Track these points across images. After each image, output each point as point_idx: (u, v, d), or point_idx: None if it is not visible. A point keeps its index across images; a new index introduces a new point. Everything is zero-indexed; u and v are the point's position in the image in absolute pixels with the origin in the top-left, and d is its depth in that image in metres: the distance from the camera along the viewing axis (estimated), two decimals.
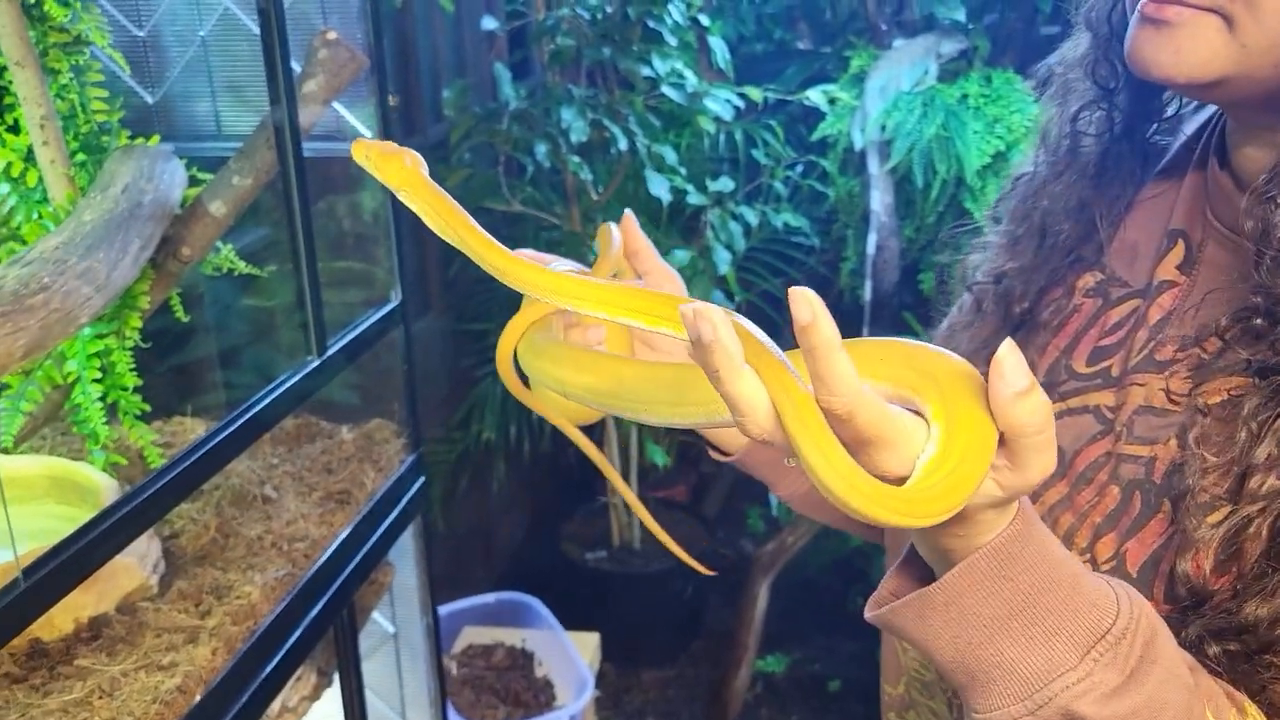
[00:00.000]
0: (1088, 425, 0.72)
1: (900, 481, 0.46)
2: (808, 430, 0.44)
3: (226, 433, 0.93)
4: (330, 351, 1.07)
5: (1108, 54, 0.76)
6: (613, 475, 0.79)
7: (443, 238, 0.62)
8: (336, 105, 1.23)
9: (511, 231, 2.78)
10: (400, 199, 0.62)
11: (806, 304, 0.43)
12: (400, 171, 0.61)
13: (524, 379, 0.74)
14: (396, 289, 1.23)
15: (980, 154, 2.65)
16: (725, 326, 0.44)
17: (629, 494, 0.84)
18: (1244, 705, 0.56)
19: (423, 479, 1.28)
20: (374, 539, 1.18)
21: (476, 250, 0.60)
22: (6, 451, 1.14)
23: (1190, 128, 0.79)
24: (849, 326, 2.92)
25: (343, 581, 1.10)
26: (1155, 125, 0.80)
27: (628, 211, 0.81)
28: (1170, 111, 0.81)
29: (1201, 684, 0.55)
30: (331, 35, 1.16)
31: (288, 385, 1.01)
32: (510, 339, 0.71)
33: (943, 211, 2.80)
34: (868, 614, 0.57)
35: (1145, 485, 0.66)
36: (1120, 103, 0.78)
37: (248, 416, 0.94)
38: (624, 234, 0.78)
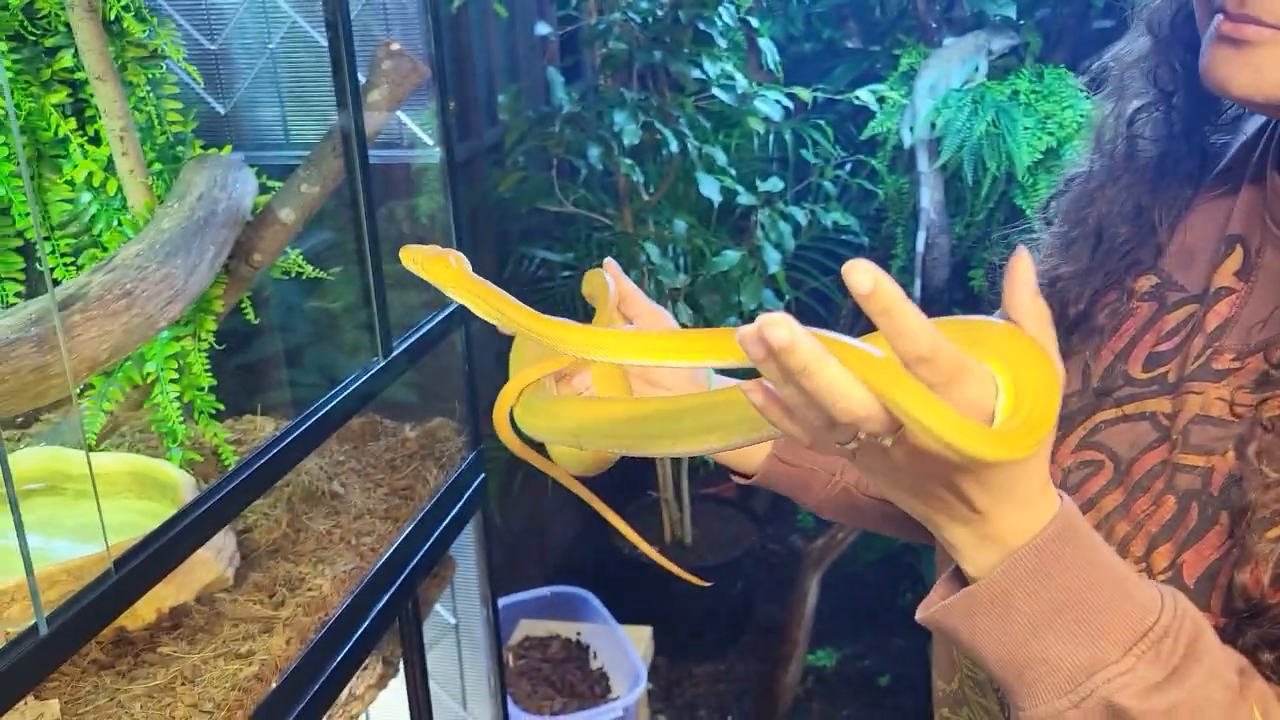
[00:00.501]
0: (1145, 432, 0.72)
1: (988, 419, 0.49)
2: (904, 388, 0.46)
3: (296, 433, 0.97)
4: (395, 353, 1.11)
5: (1169, 57, 0.76)
6: (619, 523, 0.81)
7: (493, 322, 0.66)
8: (399, 114, 1.27)
9: (564, 232, 2.82)
10: (450, 295, 0.68)
11: (865, 272, 0.45)
12: (446, 271, 0.68)
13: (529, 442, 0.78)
14: None
15: (1031, 150, 2.64)
16: (796, 325, 0.46)
17: (622, 525, 0.87)
18: None
19: (482, 476, 1.32)
20: (436, 534, 1.22)
21: (528, 326, 0.64)
22: (90, 448, 1.20)
23: (1250, 127, 0.78)
24: None
25: (407, 575, 1.14)
26: (1214, 127, 0.80)
27: (609, 260, 0.83)
28: (1229, 114, 0.80)
29: (1251, 685, 0.56)
30: (395, 46, 1.20)
31: (354, 387, 1.05)
32: (506, 404, 0.73)
33: (993, 208, 2.79)
34: (919, 616, 0.59)
35: (1202, 496, 0.67)
36: (1179, 105, 0.77)
37: (316, 417, 0.98)
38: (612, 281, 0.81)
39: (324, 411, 1.01)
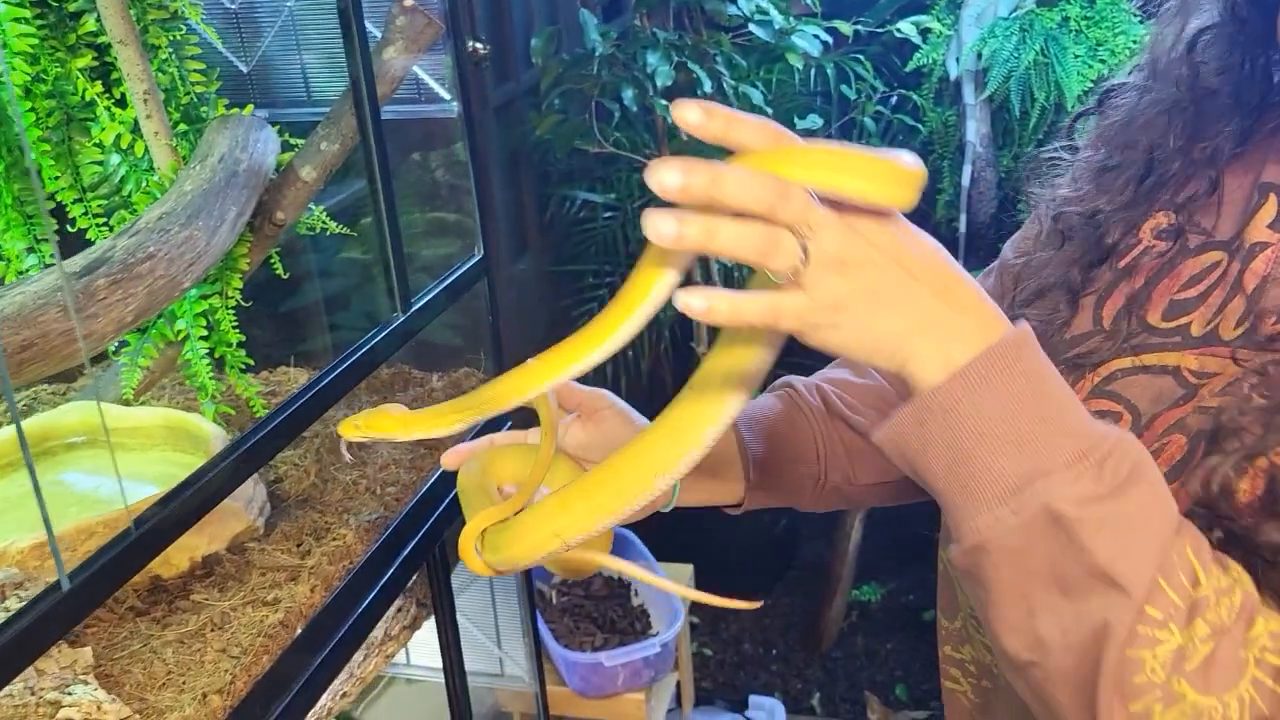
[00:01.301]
0: (1169, 388, 0.70)
1: None
2: (805, 154, 0.52)
3: (320, 385, 1.00)
4: (414, 308, 1.13)
5: None
6: (656, 581, 0.80)
7: (456, 431, 0.69)
8: (417, 69, 1.28)
9: (605, 171, 2.81)
10: (406, 439, 0.71)
11: (692, 106, 0.49)
12: (389, 420, 0.70)
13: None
14: (479, 244, 1.28)
15: (1082, 80, 2.57)
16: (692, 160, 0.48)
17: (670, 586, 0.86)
18: (1229, 563, 0.58)
19: (509, 423, 1.35)
20: None
21: (480, 408, 0.66)
22: (127, 403, 1.25)
23: None
24: None
25: (433, 523, 1.18)
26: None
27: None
28: None
29: (1188, 531, 0.57)
30: (409, 2, 1.20)
31: (373, 343, 1.07)
32: (469, 546, 0.71)
33: (1041, 140, 2.73)
34: (874, 437, 0.59)
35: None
36: (1250, 26, 0.72)
37: (336, 373, 1.01)
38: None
39: (344, 367, 1.04)
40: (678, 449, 0.59)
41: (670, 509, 0.87)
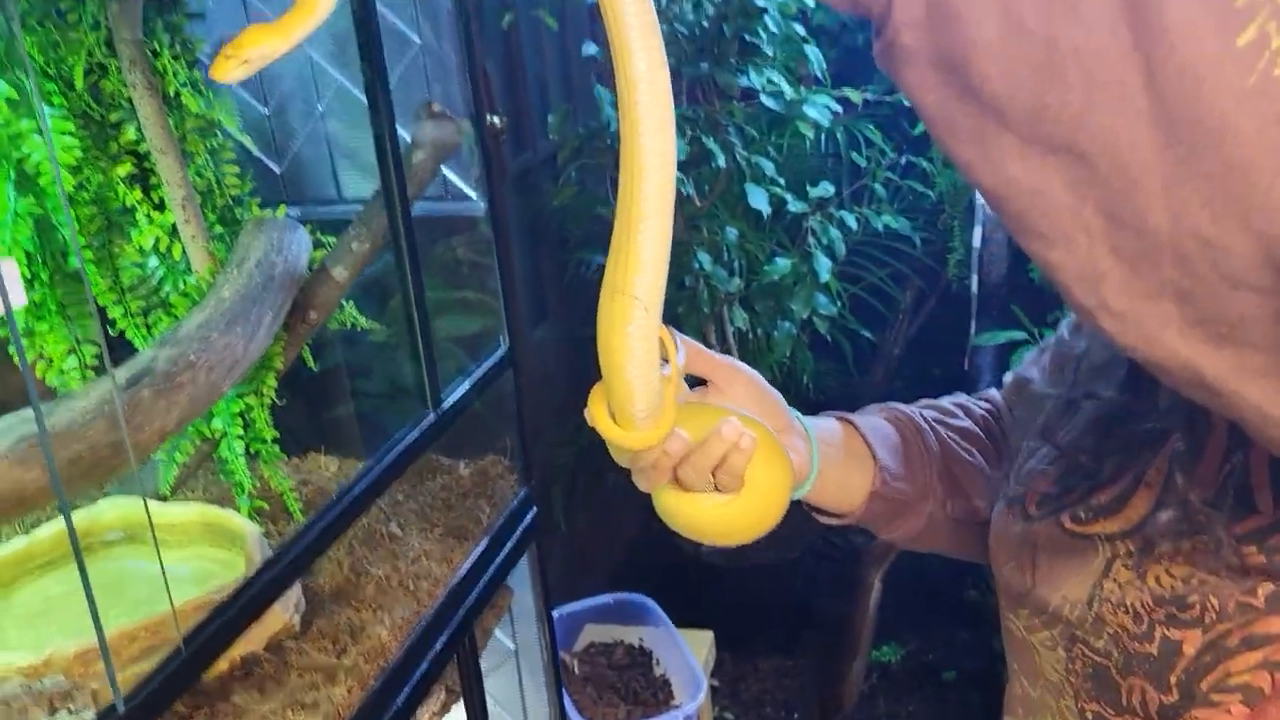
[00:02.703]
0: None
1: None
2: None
3: (356, 489, 1.03)
4: (445, 406, 1.16)
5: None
6: None
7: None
8: (444, 168, 1.32)
9: None
10: (292, 44, 0.69)
11: None
12: (265, 34, 0.68)
13: None
14: (504, 335, 1.31)
15: None
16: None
17: None
18: None
19: (534, 510, 1.37)
20: (491, 571, 1.27)
21: None
22: (163, 499, 1.28)
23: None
24: (958, 318, 2.91)
25: (464, 614, 1.20)
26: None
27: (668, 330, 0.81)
28: None
29: None
30: (436, 107, 1.25)
31: (407, 442, 1.10)
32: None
33: None
34: None
35: None
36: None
37: (372, 475, 1.04)
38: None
39: (379, 469, 1.07)
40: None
41: (805, 491, 0.86)
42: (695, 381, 0.82)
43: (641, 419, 0.66)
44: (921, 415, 0.95)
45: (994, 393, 1.02)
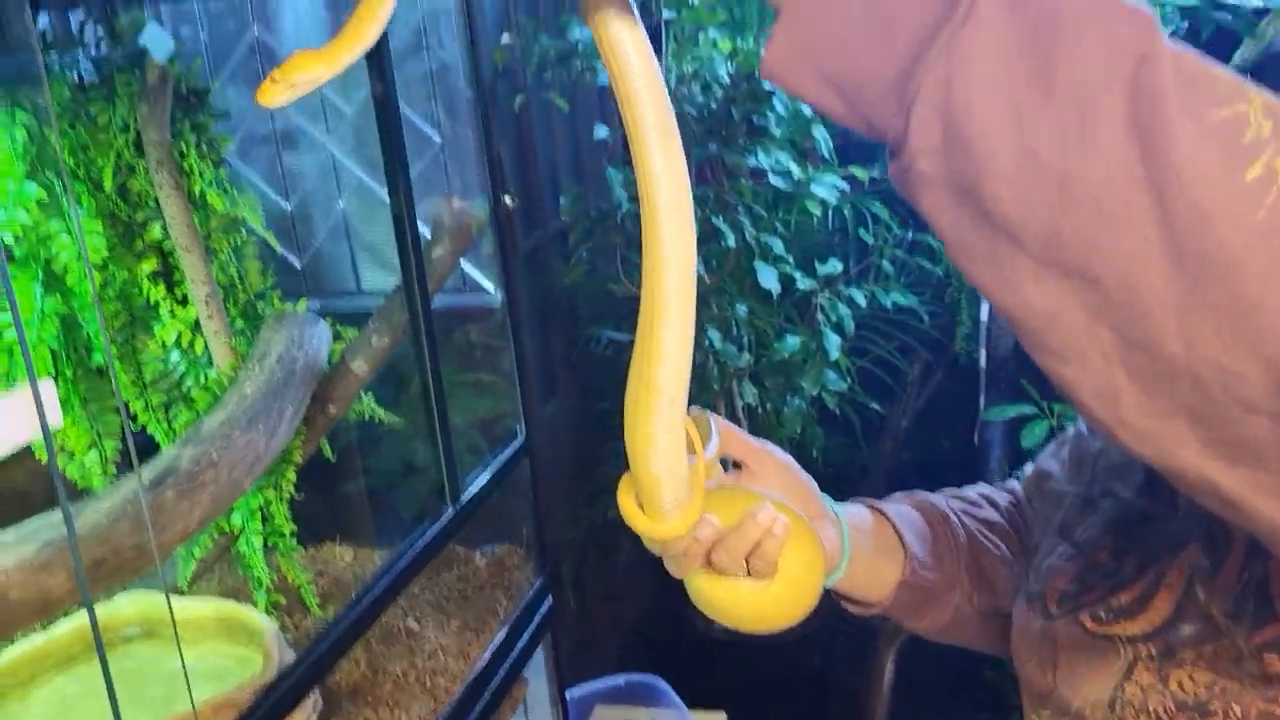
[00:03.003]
0: None
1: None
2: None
3: (377, 589, 1.03)
4: (464, 500, 1.17)
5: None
6: None
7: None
8: (462, 261, 1.34)
9: (631, 309, 2.88)
10: (338, 69, 0.67)
11: None
12: (312, 60, 0.67)
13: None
14: (521, 425, 1.32)
15: None
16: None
17: None
18: None
19: (550, 602, 1.37)
20: (508, 663, 1.27)
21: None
22: (181, 593, 1.28)
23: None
24: (965, 390, 2.91)
25: (481, 710, 1.19)
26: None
27: (704, 411, 0.79)
28: None
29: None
30: (456, 204, 1.27)
31: (427, 537, 1.11)
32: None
33: None
34: (762, 72, 0.54)
35: None
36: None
37: (392, 575, 1.04)
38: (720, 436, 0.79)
39: (399, 566, 1.07)
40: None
41: (836, 579, 0.86)
42: (730, 463, 0.83)
43: (669, 509, 0.67)
44: (948, 505, 0.96)
45: (1014, 484, 1.02)
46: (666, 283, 0.61)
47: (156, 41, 1.25)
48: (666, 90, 0.59)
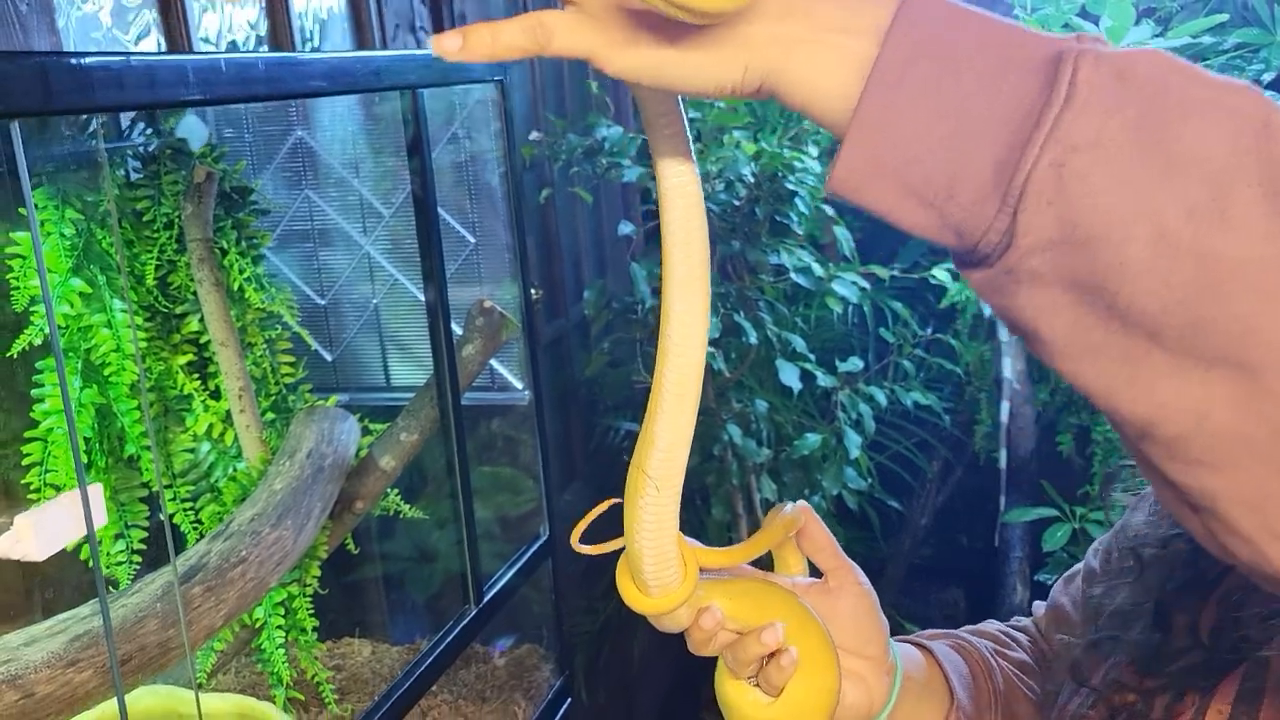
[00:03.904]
0: None
1: None
2: None
3: (398, 692, 1.03)
4: (486, 599, 1.17)
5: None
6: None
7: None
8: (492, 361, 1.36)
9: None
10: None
11: (450, 36, 0.47)
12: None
13: None
14: (545, 523, 1.32)
15: None
16: None
17: None
18: None
19: (570, 700, 1.36)
20: None
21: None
22: (201, 687, 1.27)
23: None
24: (985, 487, 2.90)
25: None
26: None
27: (804, 506, 0.78)
28: None
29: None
30: (488, 304, 1.29)
31: (450, 638, 1.10)
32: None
33: None
34: (829, 189, 0.49)
35: None
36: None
37: (413, 678, 1.04)
38: (804, 526, 0.77)
39: (420, 671, 1.07)
40: None
41: None
42: (814, 572, 0.81)
43: (653, 585, 0.69)
44: (985, 648, 0.93)
45: (1028, 621, 0.99)
46: (668, 376, 0.64)
47: (192, 131, 1.30)
48: (706, 234, 0.62)
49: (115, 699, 1.23)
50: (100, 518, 0.66)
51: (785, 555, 0.79)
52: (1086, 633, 0.86)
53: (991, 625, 0.97)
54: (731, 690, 0.76)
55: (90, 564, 0.99)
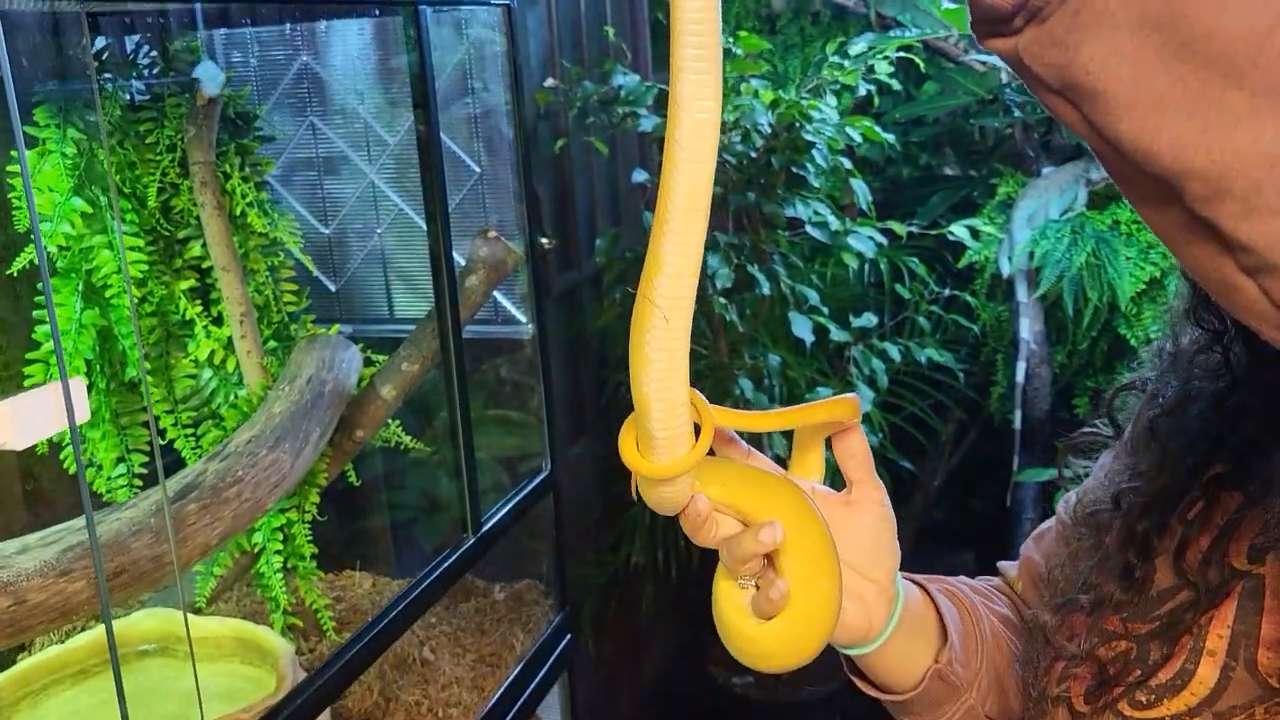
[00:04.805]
0: None
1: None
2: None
3: (391, 614, 1.02)
4: (484, 529, 1.16)
5: (1208, 304, 0.75)
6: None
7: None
8: (496, 293, 1.34)
9: None
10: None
11: None
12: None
13: None
14: (546, 458, 1.31)
15: (1134, 281, 2.61)
16: None
17: None
18: None
19: (569, 637, 1.35)
20: (522, 700, 1.25)
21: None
22: (199, 611, 1.28)
23: None
24: (999, 451, 2.87)
25: None
26: None
27: (857, 399, 0.73)
28: None
29: None
30: (492, 234, 1.28)
31: (446, 565, 1.10)
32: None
33: (1096, 337, 2.76)
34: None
35: None
36: (1235, 350, 0.73)
37: (408, 600, 1.03)
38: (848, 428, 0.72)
39: (415, 594, 1.06)
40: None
41: (864, 651, 0.80)
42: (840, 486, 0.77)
43: (659, 440, 0.61)
44: (974, 597, 0.91)
45: (999, 580, 0.97)
46: (675, 192, 0.55)
47: (210, 76, 1.28)
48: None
49: (100, 627, 1.23)
50: (83, 412, 0.66)
51: (807, 457, 0.74)
52: (1064, 594, 0.84)
53: (980, 580, 0.95)
54: (724, 593, 0.71)
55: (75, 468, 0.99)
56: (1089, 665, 0.77)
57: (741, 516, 0.67)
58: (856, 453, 0.73)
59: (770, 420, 0.71)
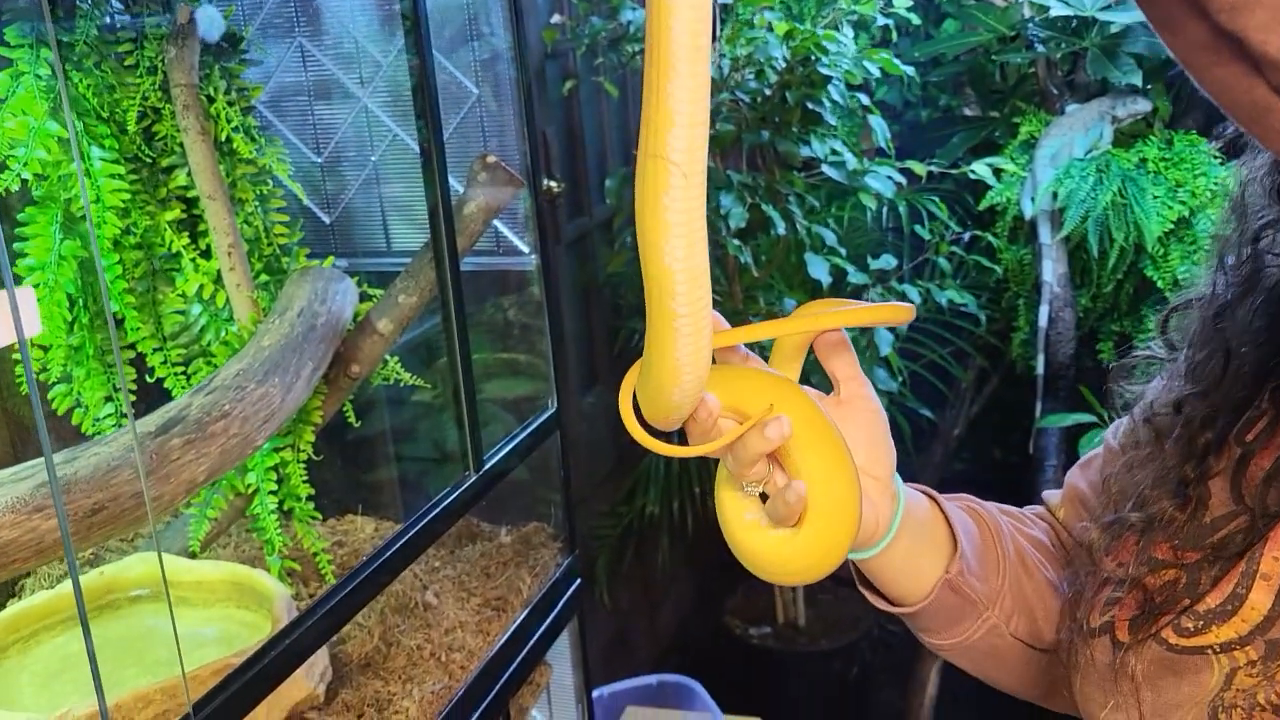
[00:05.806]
0: None
1: None
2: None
3: (390, 551, 0.97)
4: (486, 466, 1.11)
5: None
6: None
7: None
8: (496, 222, 1.28)
9: None
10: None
11: None
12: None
13: None
14: (552, 397, 1.26)
15: (1162, 221, 2.52)
16: None
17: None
18: None
19: (578, 582, 1.30)
20: (530, 645, 1.20)
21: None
22: (193, 555, 1.23)
23: None
24: (1021, 399, 2.81)
25: (498, 690, 1.13)
26: None
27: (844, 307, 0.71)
28: None
29: None
30: (491, 159, 1.21)
31: (446, 503, 1.05)
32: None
33: (1121, 280, 2.68)
34: None
35: None
36: None
37: (407, 537, 0.98)
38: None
39: (414, 530, 1.01)
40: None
41: (870, 554, 0.77)
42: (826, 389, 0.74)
43: (684, 316, 0.53)
44: (999, 517, 0.86)
45: (1043, 509, 0.93)
46: (675, 29, 0.46)
47: (210, 22, 1.21)
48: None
49: (94, 571, 1.19)
50: (34, 326, 0.60)
51: (786, 370, 0.70)
52: (1116, 507, 0.79)
53: (1022, 510, 0.90)
54: (730, 504, 0.66)
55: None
56: (1135, 594, 0.72)
57: (745, 420, 0.62)
58: (841, 352, 0.70)
59: (759, 330, 0.67)
